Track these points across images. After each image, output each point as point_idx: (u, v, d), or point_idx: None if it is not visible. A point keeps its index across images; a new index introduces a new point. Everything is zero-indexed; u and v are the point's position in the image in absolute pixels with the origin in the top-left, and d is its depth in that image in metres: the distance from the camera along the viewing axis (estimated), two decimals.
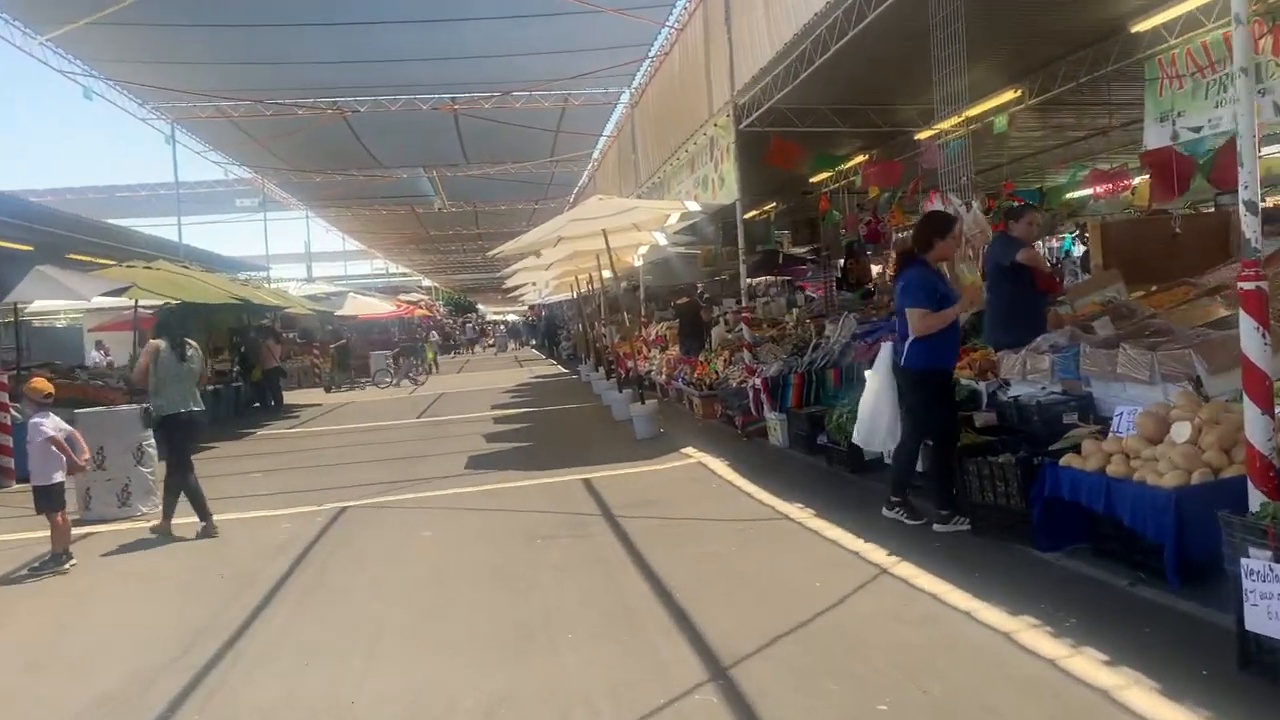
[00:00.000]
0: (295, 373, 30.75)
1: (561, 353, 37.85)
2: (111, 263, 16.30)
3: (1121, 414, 5.65)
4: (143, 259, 17.30)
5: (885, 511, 6.68)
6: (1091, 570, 5.25)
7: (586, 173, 28.67)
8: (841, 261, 18.66)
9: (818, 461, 9.14)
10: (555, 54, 17.19)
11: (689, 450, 11.00)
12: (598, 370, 20.94)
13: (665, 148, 16.70)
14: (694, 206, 12.94)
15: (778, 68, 11.06)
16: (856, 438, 7.21)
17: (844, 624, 4.84)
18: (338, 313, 31.12)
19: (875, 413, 6.80)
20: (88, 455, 8.12)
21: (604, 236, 12.70)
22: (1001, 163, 16.77)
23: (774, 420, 10.17)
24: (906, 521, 6.52)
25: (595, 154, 26.77)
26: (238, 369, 22.21)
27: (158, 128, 20.58)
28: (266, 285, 28.12)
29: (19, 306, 18.19)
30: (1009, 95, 12.15)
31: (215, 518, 8.53)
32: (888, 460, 7.11)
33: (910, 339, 6.42)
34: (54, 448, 7.52)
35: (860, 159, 15.55)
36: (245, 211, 30.92)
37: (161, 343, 8.56)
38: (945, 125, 12.87)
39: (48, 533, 7.53)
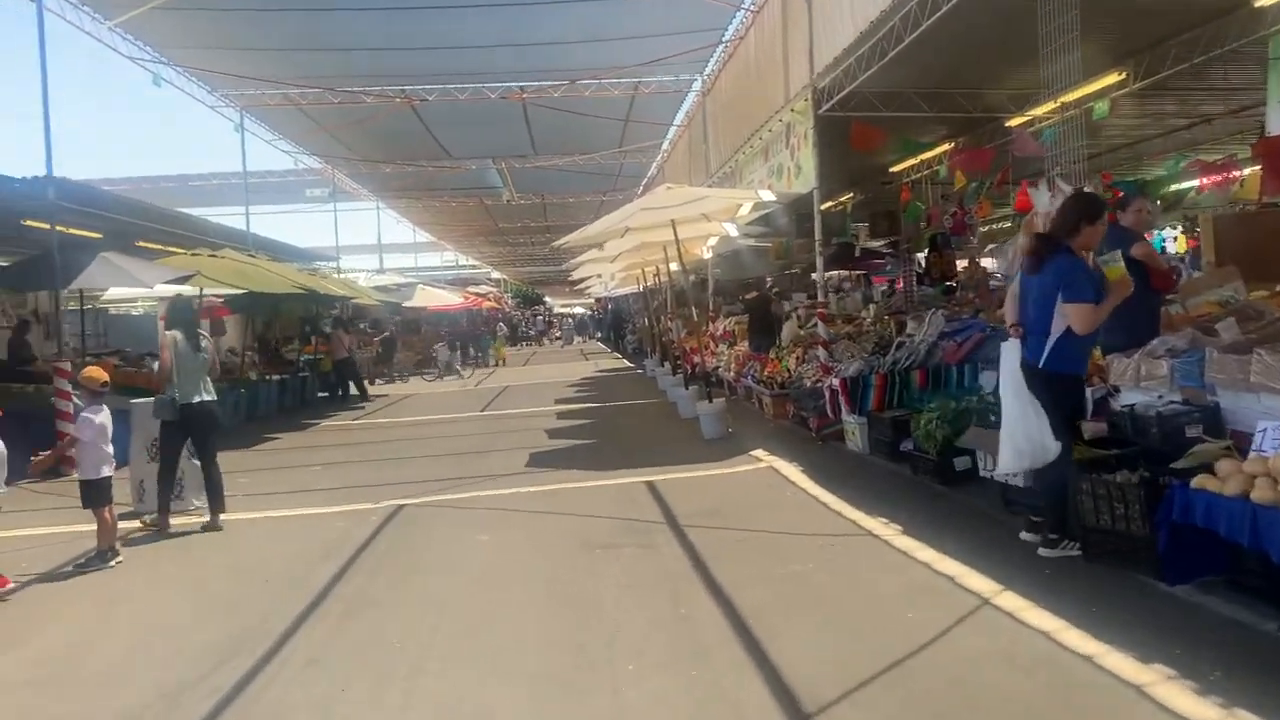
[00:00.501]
0: (363, 363, 30.89)
1: (627, 346, 37.43)
2: (179, 251, 16.24)
3: (1265, 430, 4.93)
4: (210, 247, 17.25)
5: (1043, 550, 5.69)
6: (1230, 609, 4.57)
7: (655, 164, 28.13)
8: (923, 255, 17.88)
9: (901, 470, 8.49)
10: (626, 40, 16.66)
11: (759, 453, 10.42)
12: (663, 365, 20.42)
13: (738, 136, 16.09)
14: (768, 196, 12.32)
15: (861, 48, 10.40)
16: (1005, 466, 5.88)
17: (944, 665, 4.24)
18: (405, 303, 31.09)
19: (1026, 430, 5.57)
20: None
21: (672, 227, 12.15)
22: (1097, 152, 15.79)
23: (853, 424, 9.54)
24: (1071, 554, 5.59)
25: (665, 145, 26.21)
26: (305, 359, 22.24)
27: (227, 115, 20.57)
28: (336, 275, 28.19)
29: (84, 293, 18.33)
30: (1112, 78, 11.30)
31: (275, 513, 8.31)
32: (1001, 479, 6.41)
33: (1056, 338, 5.56)
34: (100, 442, 7.26)
35: (944, 147, 14.75)
36: (315, 202, 31.01)
37: (177, 334, 8.46)
38: (1039, 111, 12.08)
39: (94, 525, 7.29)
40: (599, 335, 54.78)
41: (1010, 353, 5.76)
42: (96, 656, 5.12)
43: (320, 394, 21.82)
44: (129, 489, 9.33)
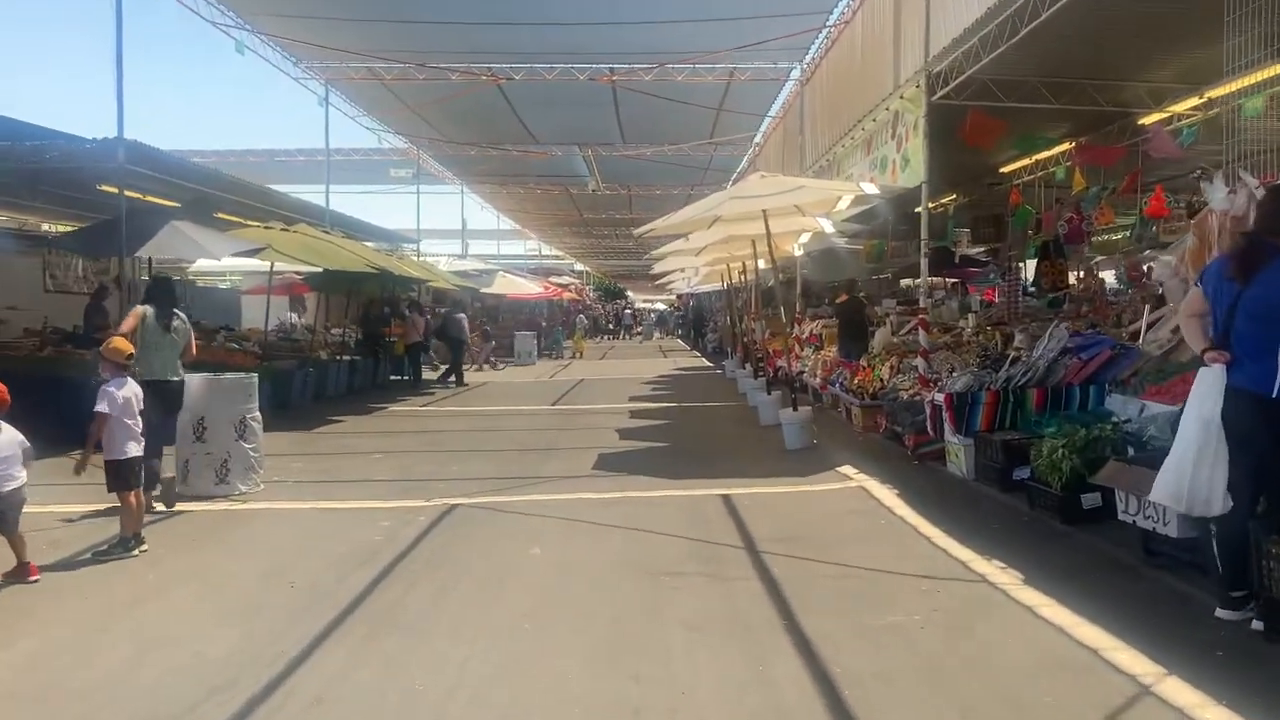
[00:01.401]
0: (440, 349, 30.59)
1: (706, 345, 36.58)
2: (255, 224, 15.88)
3: None
4: (285, 222, 16.88)
5: (1222, 611, 4.73)
6: None
7: (747, 157, 27.10)
8: (1029, 263, 16.63)
9: (1014, 503, 7.44)
10: (723, 21, 15.77)
11: (847, 470, 9.45)
12: (744, 367, 19.50)
13: (837, 127, 15.06)
14: (870, 189, 11.31)
15: (986, 27, 9.33)
16: (1161, 494, 4.85)
17: None
18: (484, 290, 30.69)
19: (1200, 471, 4.60)
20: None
21: (764, 219, 11.23)
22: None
23: (956, 444, 8.51)
24: (1252, 624, 4.58)
25: (757, 137, 25.20)
26: (377, 341, 21.86)
27: (311, 88, 20.26)
28: (415, 258, 27.87)
29: (168, 264, 18.20)
30: (1271, 71, 9.97)
31: (321, 504, 8.11)
32: (1146, 524, 5.40)
33: None
34: (126, 418, 6.66)
35: (1065, 146, 13.48)
36: (399, 182, 30.74)
37: (149, 309, 8.29)
38: (1181, 107, 10.84)
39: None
40: (678, 332, 53.95)
41: (1212, 381, 4.64)
42: (81, 670, 4.45)
43: (392, 377, 21.46)
44: (174, 468, 8.80)
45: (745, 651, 4.51)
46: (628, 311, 66.14)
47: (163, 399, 8.16)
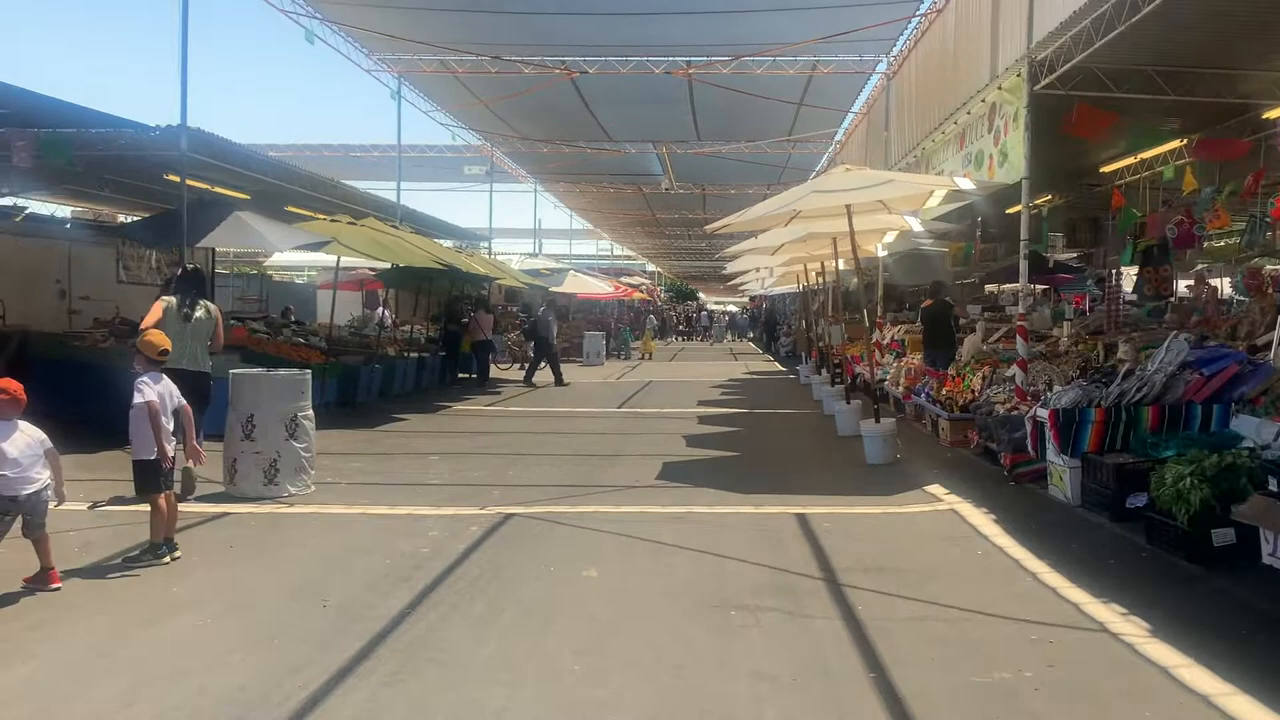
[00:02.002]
0: (509, 347, 30.34)
1: (780, 349, 35.75)
2: (322, 217, 15.63)
3: None
4: (354, 216, 16.62)
5: None
6: None
7: (826, 156, 26.22)
8: (1131, 269, 15.54)
9: (1128, 534, 6.62)
10: (805, 10, 15.02)
11: (936, 489, 8.68)
12: (820, 373, 18.69)
13: (926, 121, 14.23)
14: (966, 184, 10.47)
15: (1097, 9, 8.51)
16: None
17: None
18: (554, 288, 30.33)
19: None
20: (195, 444, 6.82)
21: (847, 214, 10.48)
22: None
23: (1060, 466, 7.69)
24: None
25: (839, 134, 24.32)
26: (443, 338, 21.58)
27: (384, 81, 20.02)
28: (486, 256, 27.63)
29: (243, 256, 18.23)
30: None
31: (371, 509, 7.79)
32: None
33: None
34: (158, 416, 6.25)
35: (1174, 144, 12.43)
36: (472, 180, 30.52)
37: (172, 299, 8.43)
38: None
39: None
40: (750, 335, 53.04)
41: None
42: (64, 707, 3.97)
43: (460, 375, 21.17)
44: (220, 467, 8.44)
45: (826, 712, 3.84)
46: (703, 313, 65.18)
47: (184, 386, 8.02)
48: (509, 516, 7.66)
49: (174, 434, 6.45)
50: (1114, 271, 15.27)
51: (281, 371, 9.19)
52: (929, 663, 4.36)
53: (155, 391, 6.25)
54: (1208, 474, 5.73)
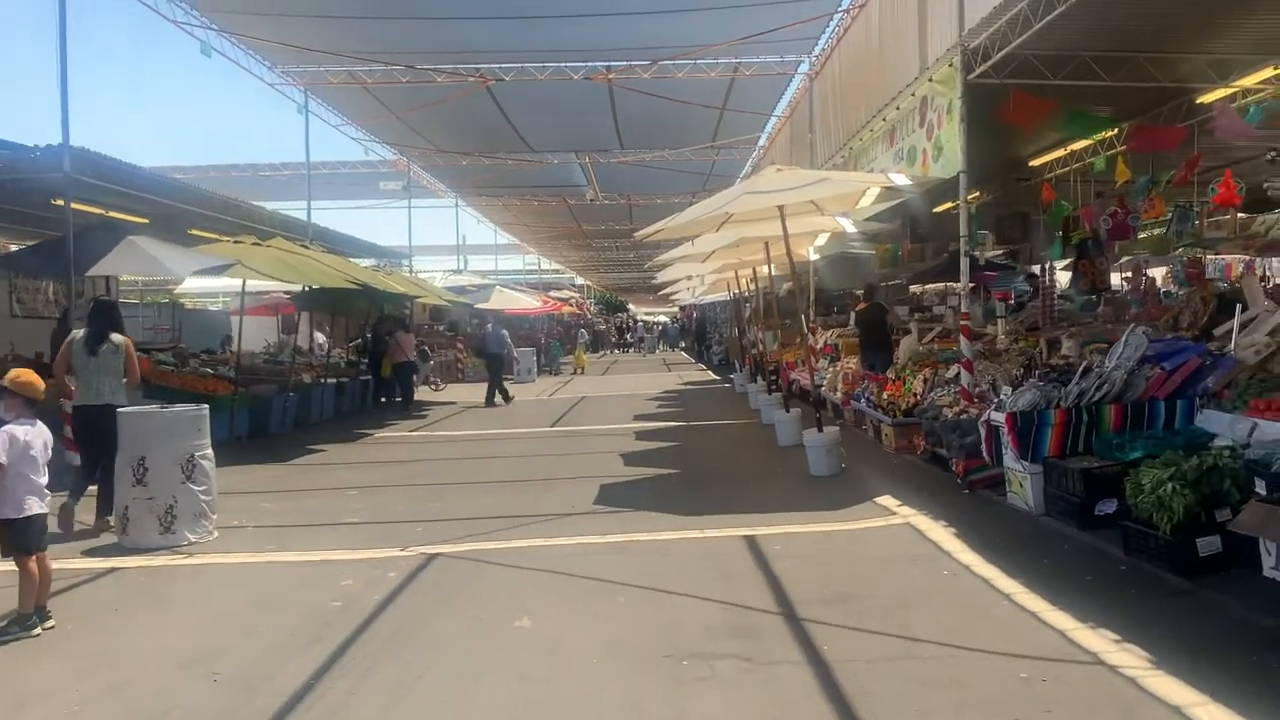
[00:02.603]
0: (439, 367, 29.42)
1: (712, 357, 35.38)
2: (225, 239, 14.70)
3: None
4: (261, 236, 15.70)
5: None
6: None
7: (750, 161, 25.91)
8: (1059, 264, 15.41)
9: (1100, 544, 6.18)
10: (724, 10, 14.57)
11: (887, 501, 8.21)
12: (755, 381, 18.25)
13: (854, 119, 13.88)
14: (901, 180, 10.08)
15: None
16: None
17: None
18: (480, 304, 29.53)
19: None
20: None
21: (780, 216, 10.01)
22: None
23: (1020, 472, 7.26)
24: None
25: (762, 140, 24.01)
26: (365, 362, 20.68)
27: (289, 95, 19.06)
28: (407, 274, 26.69)
29: (117, 281, 17.00)
30: None
31: (280, 555, 7.16)
32: None
33: None
34: (26, 468, 5.44)
35: (1105, 134, 12.23)
36: (389, 196, 29.53)
37: (79, 332, 8.28)
38: (1250, 80, 9.63)
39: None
40: (682, 345, 52.68)
41: None
42: None
43: (382, 399, 20.27)
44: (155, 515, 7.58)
45: None
46: (639, 324, 64.46)
47: (86, 424, 8.11)
48: (432, 557, 6.97)
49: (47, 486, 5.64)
50: (1048, 266, 15.10)
51: (177, 407, 8.37)
52: (914, 714, 3.81)
53: (24, 438, 5.42)
54: (1189, 478, 5.31)
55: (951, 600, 5.37)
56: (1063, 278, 16.93)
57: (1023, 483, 7.23)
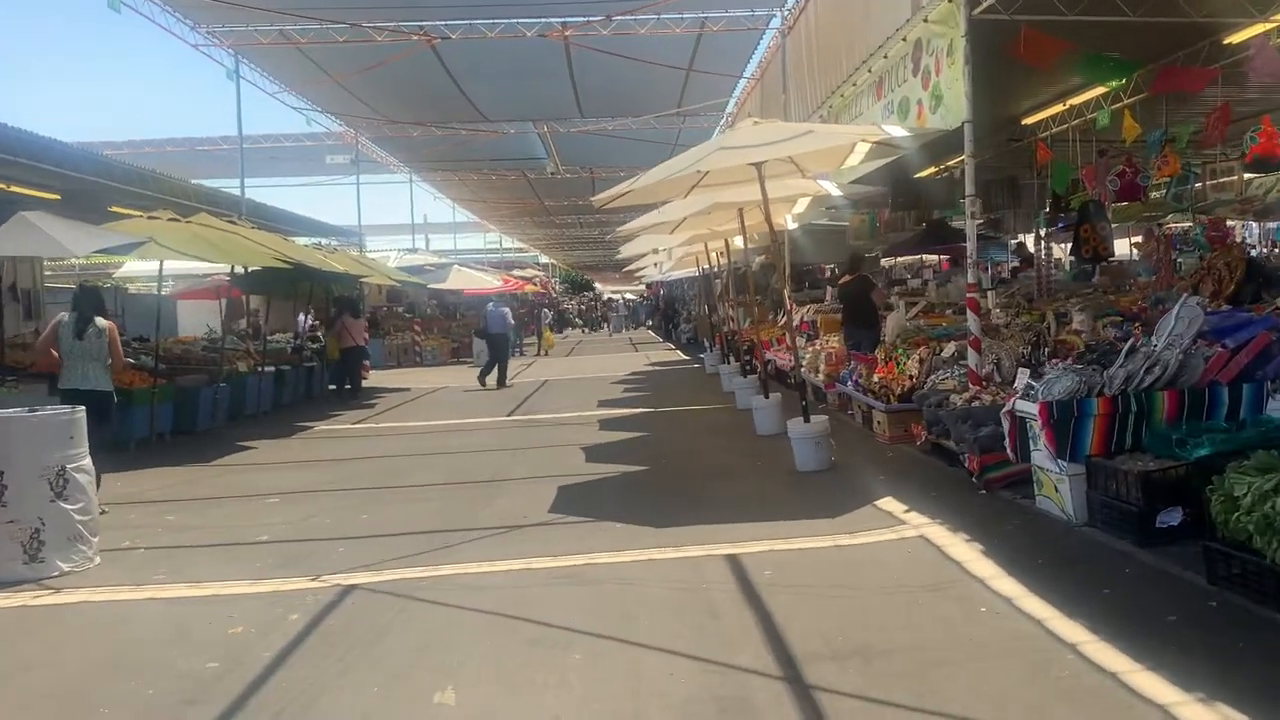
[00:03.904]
0: (394, 350, 27.97)
1: (680, 336, 34.17)
2: (139, 214, 13.19)
3: None
4: (182, 212, 14.21)
5: None
6: None
7: (719, 128, 24.57)
8: (1043, 231, 14.31)
9: (1173, 569, 4.95)
10: None
11: (890, 506, 7.02)
12: (727, 361, 17.04)
13: (834, 74, 12.61)
14: (898, 131, 8.82)
15: None
16: None
17: None
18: (435, 285, 28.07)
19: None
20: None
21: (758, 176, 8.74)
22: None
23: (1054, 473, 6.07)
24: None
25: (730, 105, 22.68)
26: (313, 348, 19.26)
27: (218, 59, 17.45)
28: (358, 253, 25.13)
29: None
30: None
31: (166, 589, 6.00)
32: None
33: None
34: None
35: (1104, 89, 10.95)
36: (338, 171, 27.87)
37: (65, 315, 8.37)
38: None
39: None
40: (649, 323, 51.39)
41: None
42: None
43: (330, 387, 18.85)
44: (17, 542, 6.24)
45: None
46: (617, 300, 62.92)
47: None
48: (347, 591, 5.71)
49: None
50: (1044, 233, 13.95)
51: (45, 410, 7.00)
52: None
53: None
54: None
55: (1001, 654, 4.15)
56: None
57: (1058, 485, 6.04)
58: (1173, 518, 5.14)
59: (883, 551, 5.89)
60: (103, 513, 7.49)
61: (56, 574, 6.30)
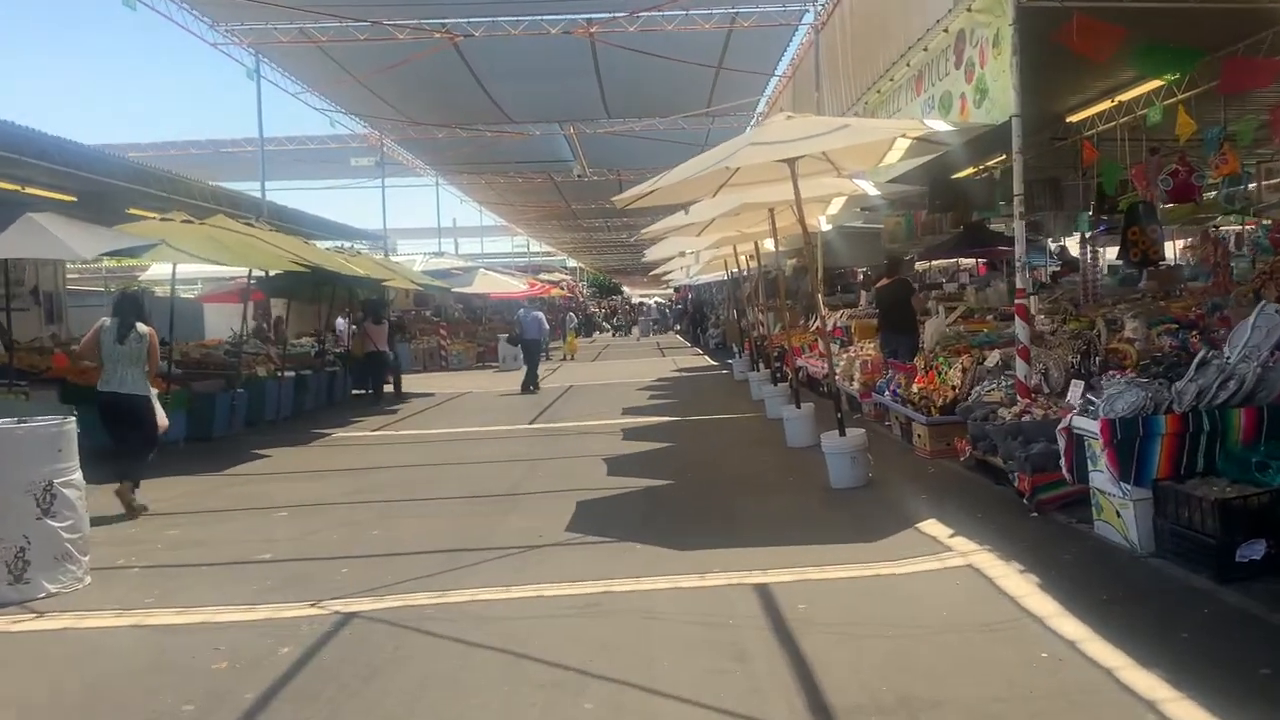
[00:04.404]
0: (420, 354, 27.67)
1: (709, 341, 33.66)
2: (153, 216, 12.92)
3: None
4: (198, 214, 13.95)
5: None
6: None
7: (749, 128, 24.05)
8: (1086, 235, 13.66)
9: (1259, 610, 4.40)
10: None
11: (934, 529, 6.50)
12: (756, 368, 16.54)
13: (870, 69, 12.08)
14: (940, 126, 8.31)
15: None
16: None
17: None
18: (461, 289, 27.80)
19: None
20: None
21: (791, 173, 8.25)
22: None
23: (1115, 497, 5.52)
24: None
25: (761, 104, 22.16)
26: (335, 352, 18.98)
27: (238, 58, 17.19)
28: (382, 257, 24.84)
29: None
30: None
31: (153, 616, 5.59)
32: None
33: None
34: None
35: (1157, 83, 10.34)
36: (362, 174, 27.63)
37: (108, 320, 8.50)
38: None
39: None
40: (677, 328, 50.83)
41: None
42: None
43: (355, 391, 18.56)
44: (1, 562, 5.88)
45: None
46: (645, 304, 62.32)
47: (112, 412, 8.41)
48: (346, 620, 5.28)
49: None
50: (1088, 235, 13.33)
51: (33, 421, 6.62)
52: None
53: None
54: None
55: (1067, 710, 3.63)
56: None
57: (1120, 510, 5.49)
58: (1255, 551, 4.60)
59: (927, 583, 5.37)
60: (145, 510, 8.24)
61: (43, 595, 5.95)
